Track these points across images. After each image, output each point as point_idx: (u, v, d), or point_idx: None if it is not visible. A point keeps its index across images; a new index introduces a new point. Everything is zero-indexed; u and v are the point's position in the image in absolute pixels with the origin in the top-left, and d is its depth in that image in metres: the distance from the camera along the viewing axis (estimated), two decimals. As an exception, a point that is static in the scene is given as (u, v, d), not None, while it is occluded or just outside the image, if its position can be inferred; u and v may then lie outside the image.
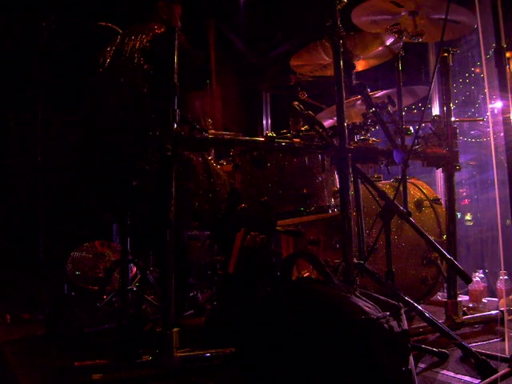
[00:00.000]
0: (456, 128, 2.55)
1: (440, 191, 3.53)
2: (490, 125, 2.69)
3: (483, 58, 1.93)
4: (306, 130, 2.38)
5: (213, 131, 2.10)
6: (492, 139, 2.31)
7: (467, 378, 1.71)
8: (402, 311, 1.42)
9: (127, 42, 2.54)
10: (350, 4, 2.12)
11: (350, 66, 2.41)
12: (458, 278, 2.43)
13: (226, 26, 5.03)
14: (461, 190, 3.99)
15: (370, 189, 2.16)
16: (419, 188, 2.93)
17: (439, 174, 3.70)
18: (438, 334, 2.20)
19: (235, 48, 5.16)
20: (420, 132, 2.52)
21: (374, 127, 2.47)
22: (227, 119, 3.42)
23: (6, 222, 3.52)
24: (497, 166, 1.99)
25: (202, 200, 2.49)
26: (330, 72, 2.71)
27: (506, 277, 2.79)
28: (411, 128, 2.53)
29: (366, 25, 2.61)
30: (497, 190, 1.96)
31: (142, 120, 2.39)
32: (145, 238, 2.92)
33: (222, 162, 2.92)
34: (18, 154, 3.60)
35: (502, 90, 1.72)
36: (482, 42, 1.90)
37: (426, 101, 3.01)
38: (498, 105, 1.92)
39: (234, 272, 2.35)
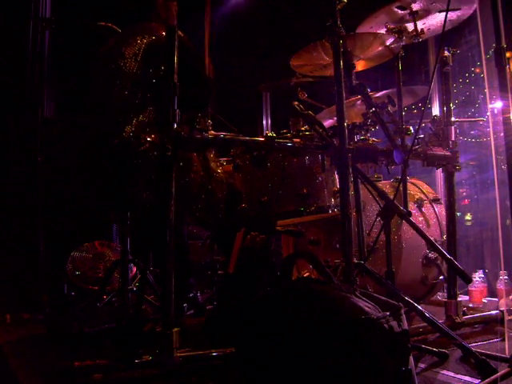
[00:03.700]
0: (456, 128, 2.55)
1: (440, 191, 3.53)
2: (490, 125, 2.69)
3: (483, 57, 1.93)
4: (306, 130, 2.38)
5: (212, 132, 2.10)
6: (492, 139, 2.31)
7: (467, 378, 1.71)
8: (402, 311, 1.42)
9: (128, 42, 2.52)
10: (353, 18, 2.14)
11: (350, 66, 2.41)
12: (458, 277, 2.43)
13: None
14: (461, 190, 3.99)
15: (370, 189, 2.16)
16: (419, 188, 2.93)
17: (439, 174, 3.71)
18: (437, 334, 2.20)
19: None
20: (420, 132, 2.52)
21: (374, 127, 2.47)
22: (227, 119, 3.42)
23: (5, 222, 3.52)
24: (497, 166, 1.99)
25: (199, 200, 2.48)
26: (330, 72, 2.71)
27: (505, 277, 2.79)
28: (411, 128, 2.53)
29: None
30: (497, 189, 1.97)
31: (143, 120, 2.39)
32: (145, 238, 2.92)
33: (222, 161, 2.92)
34: (18, 154, 3.60)
35: (502, 90, 1.72)
36: (482, 42, 1.90)
37: (426, 101, 3.01)
38: (497, 105, 1.92)
39: (234, 272, 2.35)
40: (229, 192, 2.57)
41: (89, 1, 3.87)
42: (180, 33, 2.47)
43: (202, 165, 2.54)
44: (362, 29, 2.65)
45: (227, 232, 2.52)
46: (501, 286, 2.77)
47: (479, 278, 3.01)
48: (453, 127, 2.53)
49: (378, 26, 2.63)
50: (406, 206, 2.45)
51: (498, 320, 2.42)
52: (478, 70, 3.89)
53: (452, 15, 2.48)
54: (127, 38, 2.56)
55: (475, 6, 2.36)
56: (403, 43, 2.58)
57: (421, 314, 1.95)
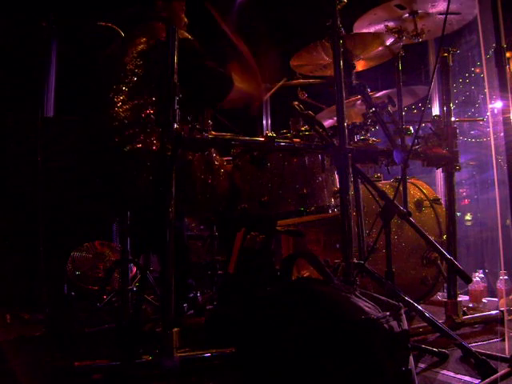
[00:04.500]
0: (456, 128, 2.55)
1: (440, 191, 3.53)
2: (490, 125, 2.69)
3: (483, 57, 1.93)
4: (306, 130, 2.38)
5: (213, 132, 2.10)
6: (492, 139, 2.31)
7: (467, 378, 1.71)
8: (402, 311, 1.42)
9: (133, 43, 2.52)
10: (350, 16, 2.14)
11: (350, 66, 2.41)
12: (458, 277, 2.43)
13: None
14: (461, 190, 3.99)
15: (370, 189, 2.16)
16: (419, 188, 2.93)
17: (439, 174, 3.71)
18: (437, 334, 2.20)
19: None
20: (420, 132, 2.52)
21: (374, 127, 2.47)
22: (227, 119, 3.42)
23: (6, 222, 3.52)
24: (497, 166, 1.99)
25: (199, 195, 2.48)
26: (330, 72, 2.71)
27: (506, 277, 2.79)
28: (411, 128, 2.53)
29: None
30: (497, 189, 1.97)
31: (145, 120, 2.39)
32: (145, 237, 2.91)
33: (222, 161, 2.92)
34: (18, 154, 3.60)
35: (502, 90, 1.72)
36: (482, 42, 1.90)
37: (426, 101, 3.01)
38: (498, 105, 1.91)
39: (234, 272, 2.35)
40: (230, 188, 2.57)
41: (90, 1, 3.88)
42: (186, 34, 2.48)
43: (204, 161, 2.54)
44: (360, 25, 2.64)
45: (227, 231, 2.52)
46: (501, 286, 2.77)
47: (479, 277, 3.01)
48: (453, 127, 2.53)
49: (376, 23, 2.63)
50: (405, 206, 2.45)
51: (498, 320, 2.41)
52: (478, 70, 3.89)
53: (453, 17, 2.49)
54: (133, 38, 2.56)
55: (476, 11, 2.36)
56: (403, 43, 2.58)
57: (421, 314, 1.95)
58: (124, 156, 2.37)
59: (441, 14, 2.49)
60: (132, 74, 2.45)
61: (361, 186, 2.27)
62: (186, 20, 2.71)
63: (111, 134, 2.41)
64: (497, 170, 1.99)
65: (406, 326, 1.40)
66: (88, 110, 2.71)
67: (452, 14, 2.42)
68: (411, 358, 1.38)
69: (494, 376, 1.64)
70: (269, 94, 3.16)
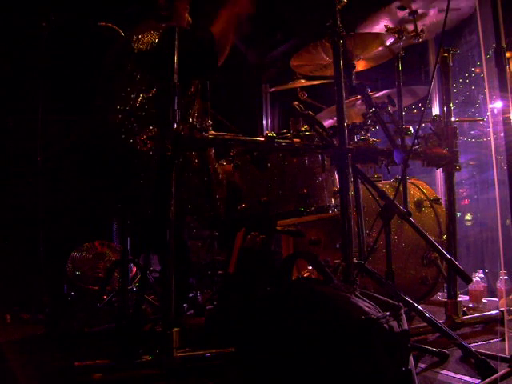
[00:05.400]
0: (456, 128, 2.54)
1: (440, 191, 3.53)
2: (490, 125, 2.69)
3: (483, 57, 1.93)
4: (306, 130, 2.38)
5: (213, 132, 2.10)
6: (492, 139, 2.31)
7: (467, 378, 1.71)
8: (402, 311, 1.42)
9: (132, 43, 2.52)
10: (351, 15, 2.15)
11: (350, 66, 2.41)
12: (458, 277, 2.43)
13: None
14: (461, 190, 3.99)
15: (370, 189, 2.16)
16: (419, 188, 2.93)
17: (439, 174, 3.71)
18: (438, 334, 2.20)
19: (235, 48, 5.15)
20: (420, 132, 2.52)
21: (374, 127, 2.47)
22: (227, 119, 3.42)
23: (6, 222, 3.52)
24: (497, 166, 1.99)
25: (198, 198, 2.48)
26: (330, 72, 2.72)
27: (506, 277, 2.79)
28: (411, 128, 2.53)
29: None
30: (497, 189, 1.97)
31: (144, 121, 2.39)
32: (145, 237, 2.91)
33: (221, 161, 2.92)
34: (18, 154, 3.60)
35: (502, 90, 1.72)
36: (482, 42, 1.90)
37: (426, 101, 3.01)
38: (498, 105, 1.92)
39: (234, 272, 2.35)
40: (230, 191, 2.57)
41: (90, 1, 3.88)
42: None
43: (202, 164, 2.54)
44: (361, 27, 2.65)
45: (227, 231, 2.52)
46: (501, 286, 2.77)
47: (479, 277, 3.01)
48: (453, 127, 2.53)
49: (376, 23, 2.63)
50: (405, 206, 2.45)
51: (498, 320, 2.41)
52: (478, 70, 3.89)
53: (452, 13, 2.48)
54: (132, 38, 2.56)
55: (475, 3, 2.36)
56: (403, 43, 2.58)
57: (421, 314, 1.95)
58: (125, 155, 2.37)
59: (440, 11, 2.49)
60: (132, 73, 2.45)
61: (361, 186, 2.28)
62: (189, 19, 2.70)
63: (112, 133, 2.41)
64: (497, 170, 1.99)
65: (405, 326, 1.40)
66: (88, 110, 2.71)
67: (451, 9, 2.41)
68: (411, 358, 1.38)
69: (494, 376, 1.64)
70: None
